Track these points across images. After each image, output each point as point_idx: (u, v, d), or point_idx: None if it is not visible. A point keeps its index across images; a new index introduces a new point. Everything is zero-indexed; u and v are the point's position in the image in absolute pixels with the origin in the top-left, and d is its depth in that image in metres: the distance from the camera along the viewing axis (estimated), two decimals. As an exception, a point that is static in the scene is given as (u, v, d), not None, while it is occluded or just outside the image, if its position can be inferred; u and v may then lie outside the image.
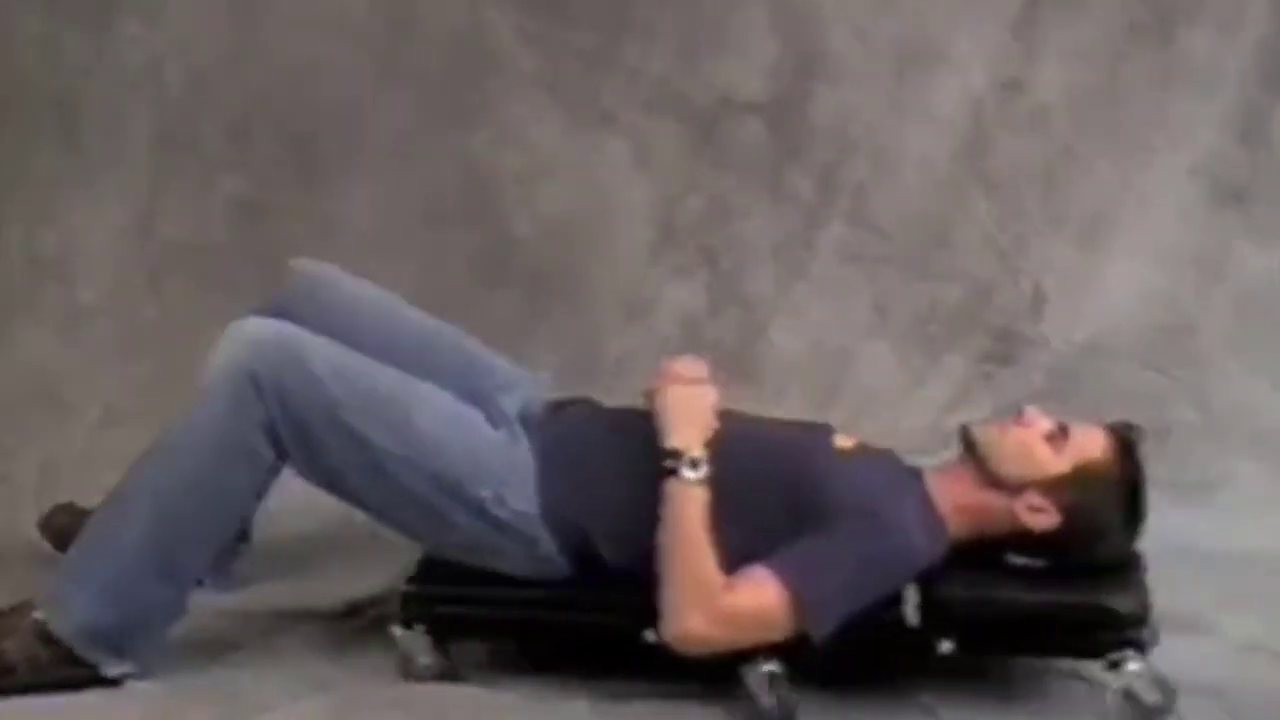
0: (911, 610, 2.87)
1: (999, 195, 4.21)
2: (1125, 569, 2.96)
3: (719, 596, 2.80)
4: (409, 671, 3.00)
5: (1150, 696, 2.87)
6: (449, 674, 3.00)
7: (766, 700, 2.86)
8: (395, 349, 3.03)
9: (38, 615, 2.94)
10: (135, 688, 2.98)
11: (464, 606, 3.00)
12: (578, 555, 2.94)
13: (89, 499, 3.70)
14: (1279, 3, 4.21)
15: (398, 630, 3.00)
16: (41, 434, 3.94)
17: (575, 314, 4.18)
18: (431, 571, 3.03)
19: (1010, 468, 2.92)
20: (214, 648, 3.07)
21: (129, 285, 4.17)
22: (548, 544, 2.94)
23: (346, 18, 4.22)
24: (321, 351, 2.92)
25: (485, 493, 2.92)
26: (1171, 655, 3.11)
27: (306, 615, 3.24)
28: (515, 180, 4.23)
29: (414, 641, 2.99)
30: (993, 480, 2.92)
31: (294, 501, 3.33)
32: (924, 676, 2.98)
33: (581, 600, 2.95)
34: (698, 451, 2.89)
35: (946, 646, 2.87)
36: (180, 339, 4.11)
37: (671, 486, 2.87)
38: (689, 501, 2.85)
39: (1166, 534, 3.57)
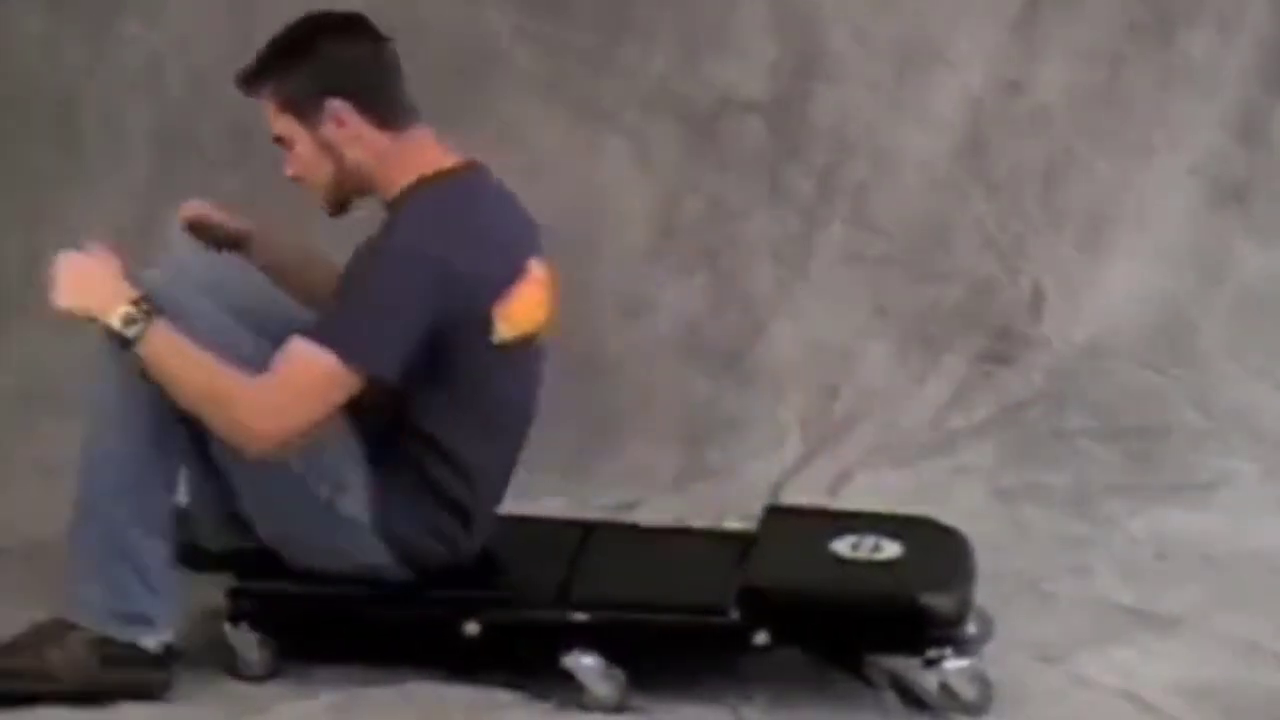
0: (730, 600, 2.88)
1: (999, 195, 4.20)
2: (952, 567, 2.97)
3: (267, 388, 2.80)
4: (236, 669, 3.01)
5: (969, 692, 2.87)
6: (275, 671, 3.00)
7: (603, 689, 2.88)
8: (263, 327, 2.99)
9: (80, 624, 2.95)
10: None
11: (291, 603, 3.01)
12: (414, 564, 2.94)
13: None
14: (1279, 3, 4.21)
15: (227, 627, 3.00)
16: (41, 434, 3.94)
17: (575, 314, 4.17)
18: (260, 568, 3.04)
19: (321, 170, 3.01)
20: (213, 648, 3.07)
21: (129, 285, 4.16)
22: (381, 553, 2.93)
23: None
24: (201, 308, 2.93)
25: (323, 490, 2.91)
26: (1171, 655, 3.12)
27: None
28: (515, 180, 4.22)
29: (241, 638, 3.00)
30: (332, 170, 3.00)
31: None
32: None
33: (404, 595, 2.96)
34: (123, 309, 2.85)
35: (761, 639, 2.87)
36: (180, 339, 4.12)
37: (145, 352, 2.83)
38: (161, 349, 2.83)
39: (1167, 534, 3.59)
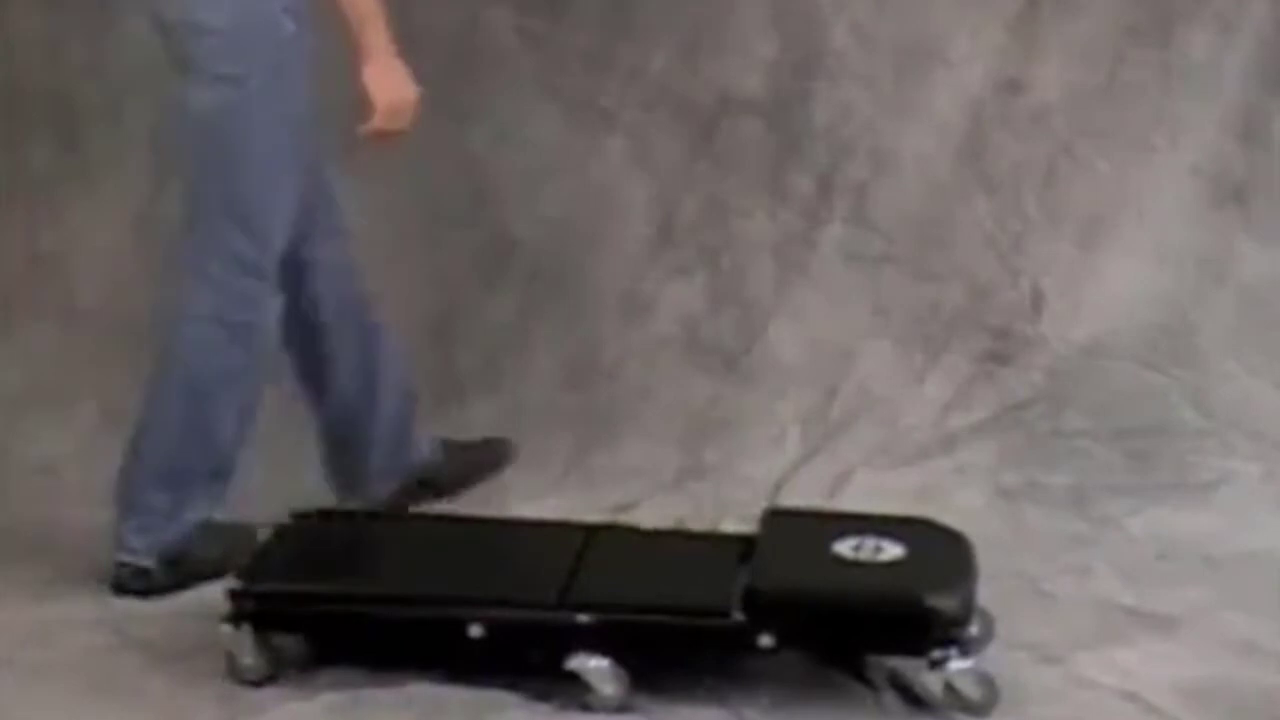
0: (734, 602, 2.88)
1: (999, 195, 4.21)
2: (954, 568, 2.97)
3: None
4: (232, 671, 3.00)
5: (974, 693, 2.88)
6: (271, 674, 3.00)
7: (609, 690, 2.88)
8: None
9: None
10: (134, 688, 2.99)
11: (291, 604, 3.00)
12: None
13: (89, 499, 3.72)
14: (1279, 3, 4.21)
15: (225, 628, 2.99)
16: (41, 434, 3.94)
17: (575, 314, 4.18)
18: (260, 570, 3.04)
19: None
20: (214, 648, 3.07)
21: (129, 285, 4.17)
22: None
23: (346, 17, 4.21)
24: None
25: None
26: (1172, 655, 3.12)
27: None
28: (515, 180, 4.23)
29: (238, 640, 2.99)
30: None
31: (299, 499, 3.34)
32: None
33: (409, 596, 2.97)
34: None
35: (767, 641, 2.88)
36: (180, 339, 4.12)
37: None
38: None
39: (1167, 534, 3.59)
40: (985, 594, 3.01)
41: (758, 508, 3.37)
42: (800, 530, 3.15)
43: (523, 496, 3.67)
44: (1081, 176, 4.21)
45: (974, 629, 2.94)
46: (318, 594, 3.00)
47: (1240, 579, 3.40)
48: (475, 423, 4.01)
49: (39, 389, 4.04)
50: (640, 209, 4.24)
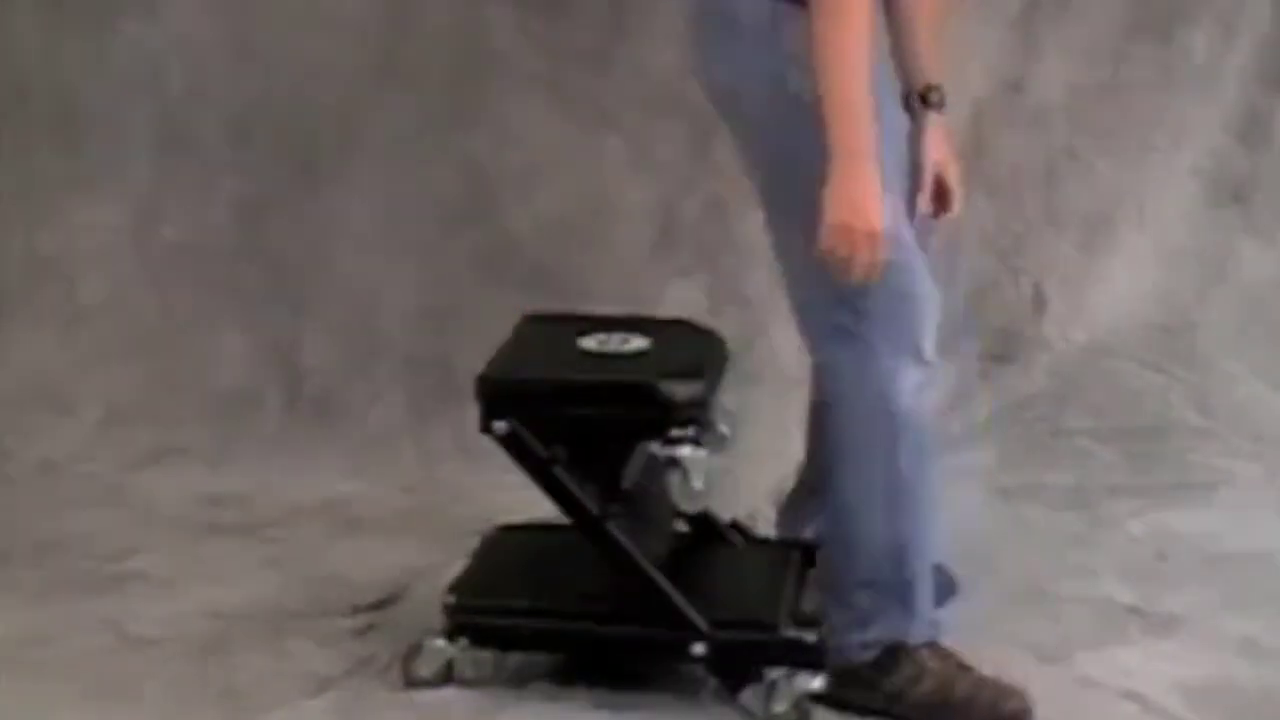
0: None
1: (999, 195, 4.21)
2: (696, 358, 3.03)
3: None
4: (410, 678, 2.99)
5: (698, 482, 2.92)
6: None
7: (780, 707, 2.87)
8: None
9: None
10: (134, 688, 2.99)
11: (510, 618, 2.99)
12: None
13: (89, 499, 3.72)
14: (1279, 3, 4.21)
15: (439, 643, 2.98)
16: (41, 434, 3.94)
17: (575, 314, 4.17)
18: (472, 583, 3.03)
19: None
20: (214, 648, 3.07)
21: (129, 285, 4.17)
22: None
23: (346, 18, 4.22)
24: None
25: None
26: (1173, 655, 3.12)
27: (309, 615, 3.24)
28: (515, 180, 4.23)
29: (462, 655, 2.98)
30: None
31: (300, 500, 3.35)
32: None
33: (630, 611, 2.95)
34: None
35: (501, 429, 2.93)
36: (180, 339, 4.12)
37: None
38: None
39: (1167, 534, 3.59)
40: (986, 593, 3.01)
41: (757, 508, 3.38)
42: (550, 330, 3.18)
43: (522, 496, 3.66)
44: (1081, 176, 4.22)
45: (722, 427, 3.00)
46: (538, 609, 3.00)
47: (1240, 579, 3.40)
48: (475, 423, 4.00)
49: (39, 389, 4.04)
50: (640, 209, 4.24)
